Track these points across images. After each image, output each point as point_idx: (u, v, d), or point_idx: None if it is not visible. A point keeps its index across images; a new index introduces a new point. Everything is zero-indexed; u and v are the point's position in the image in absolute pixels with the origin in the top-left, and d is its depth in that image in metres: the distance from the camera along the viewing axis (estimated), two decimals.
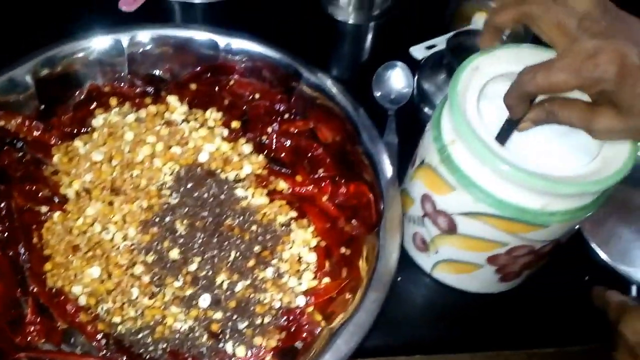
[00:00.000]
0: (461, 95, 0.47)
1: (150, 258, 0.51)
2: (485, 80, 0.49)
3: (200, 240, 0.52)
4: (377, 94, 0.73)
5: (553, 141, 0.47)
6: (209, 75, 0.65)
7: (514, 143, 0.46)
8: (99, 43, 0.60)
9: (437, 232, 0.54)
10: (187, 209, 0.54)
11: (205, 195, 0.55)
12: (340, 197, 0.60)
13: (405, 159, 0.61)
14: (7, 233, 0.53)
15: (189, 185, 0.55)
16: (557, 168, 0.44)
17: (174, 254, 0.52)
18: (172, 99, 0.61)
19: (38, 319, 0.50)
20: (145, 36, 0.62)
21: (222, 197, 0.55)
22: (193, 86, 0.64)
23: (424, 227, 0.55)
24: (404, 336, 0.58)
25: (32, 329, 0.50)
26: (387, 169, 0.57)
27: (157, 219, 0.53)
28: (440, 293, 0.60)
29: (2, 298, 0.50)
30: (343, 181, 0.60)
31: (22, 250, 0.53)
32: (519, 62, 0.49)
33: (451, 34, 0.70)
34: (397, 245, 0.52)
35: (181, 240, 0.52)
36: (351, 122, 0.60)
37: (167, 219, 0.53)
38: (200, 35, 0.63)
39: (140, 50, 0.62)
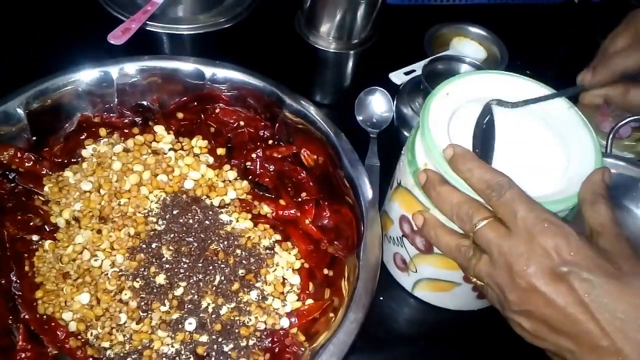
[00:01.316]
0: (432, 120, 0.49)
1: (137, 283, 0.53)
2: (456, 105, 0.51)
3: (185, 265, 0.54)
4: (360, 118, 0.75)
5: (521, 162, 0.49)
6: (195, 104, 0.67)
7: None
8: (88, 75, 0.63)
9: (416, 252, 0.56)
10: (172, 235, 0.56)
11: (191, 221, 0.57)
12: (323, 219, 0.62)
13: (387, 181, 0.63)
14: None
15: (174, 212, 0.57)
16: (525, 188, 0.45)
17: (160, 279, 0.53)
18: (159, 129, 0.63)
19: (29, 346, 0.51)
20: (133, 68, 0.64)
21: (207, 222, 0.57)
22: (180, 115, 0.66)
23: (403, 247, 0.57)
24: (387, 354, 0.60)
25: (23, 355, 0.51)
26: (367, 191, 0.59)
27: (143, 246, 0.55)
28: (422, 311, 0.62)
29: None
30: (326, 204, 0.62)
31: (14, 279, 0.54)
32: (488, 88, 0.52)
33: (428, 59, 0.72)
34: (376, 265, 0.54)
35: (167, 266, 0.54)
36: (332, 147, 0.62)
37: (154, 245, 0.55)
38: (186, 66, 0.66)
39: (129, 81, 0.65)
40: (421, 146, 0.51)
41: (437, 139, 0.48)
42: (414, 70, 0.76)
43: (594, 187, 0.43)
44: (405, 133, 0.71)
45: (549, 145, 0.50)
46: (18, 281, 0.54)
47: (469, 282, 0.54)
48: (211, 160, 0.63)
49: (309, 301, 0.57)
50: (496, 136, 0.49)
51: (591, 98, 0.57)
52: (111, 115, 0.65)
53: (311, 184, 0.64)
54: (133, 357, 0.51)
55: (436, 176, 0.46)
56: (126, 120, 0.64)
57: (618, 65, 0.55)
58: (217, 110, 0.67)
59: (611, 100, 0.57)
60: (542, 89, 0.53)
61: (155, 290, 0.53)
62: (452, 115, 0.51)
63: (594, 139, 0.49)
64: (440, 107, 0.51)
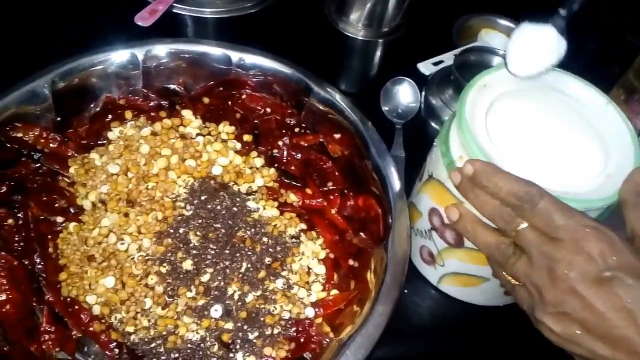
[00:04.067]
0: (469, 112, 0.48)
1: (164, 268, 0.53)
2: (494, 97, 0.50)
3: (212, 252, 0.53)
4: (385, 108, 0.74)
5: (559, 157, 0.48)
6: (221, 89, 0.66)
7: (520, 158, 0.47)
8: (117, 57, 0.62)
9: (445, 245, 0.55)
10: (200, 221, 0.55)
11: (219, 207, 0.56)
12: (348, 209, 0.61)
13: (412, 172, 0.62)
14: (23, 243, 0.54)
15: (202, 198, 0.56)
16: (562, 184, 0.45)
17: (187, 264, 0.53)
18: (187, 113, 0.62)
19: (53, 328, 0.51)
20: (160, 50, 0.63)
21: (235, 209, 0.56)
22: (206, 100, 0.65)
23: (432, 240, 0.56)
24: (409, 348, 0.59)
25: (47, 337, 0.50)
26: (395, 182, 0.58)
27: (171, 230, 0.54)
28: (446, 305, 0.61)
29: (19, 307, 0.51)
30: (351, 194, 0.61)
31: (38, 260, 0.54)
32: (526, 81, 0.51)
33: (457, 50, 0.71)
34: (405, 258, 0.53)
35: (194, 252, 0.53)
36: (360, 136, 0.61)
37: (181, 230, 0.54)
38: (214, 50, 0.65)
39: (155, 64, 0.64)
40: (457, 138, 0.50)
41: (475, 132, 0.47)
42: (442, 61, 0.74)
43: (637, 188, 0.42)
44: (433, 124, 0.70)
45: (585, 140, 0.49)
46: (42, 263, 0.54)
47: (496, 278, 0.53)
48: (239, 146, 0.62)
49: (334, 292, 0.56)
50: (531, 130, 0.49)
51: None
52: (136, 97, 0.65)
53: (337, 173, 0.63)
54: (157, 342, 0.51)
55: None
56: (152, 104, 0.64)
57: None
58: (244, 96, 0.66)
59: None
60: (579, 83, 0.52)
61: (181, 276, 0.52)
62: (489, 107, 0.50)
63: (633, 137, 0.48)
64: (478, 99, 0.50)
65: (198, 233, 0.54)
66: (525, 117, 0.50)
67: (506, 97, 0.50)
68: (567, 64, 0.51)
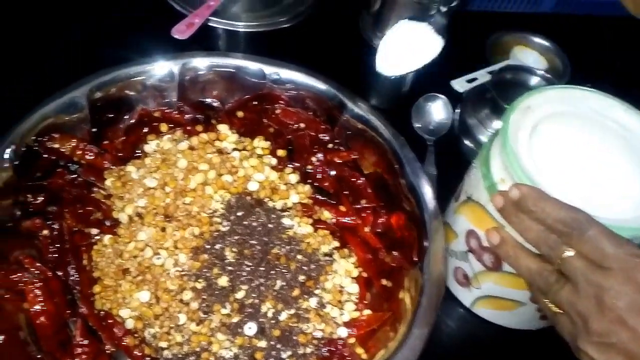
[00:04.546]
0: (513, 135, 0.48)
1: (199, 284, 0.52)
2: (537, 119, 0.49)
3: (248, 269, 0.53)
4: (417, 125, 0.73)
5: (603, 183, 0.47)
6: (255, 103, 0.66)
7: (563, 183, 0.46)
8: (154, 69, 0.62)
9: (481, 268, 0.54)
10: (237, 237, 0.55)
11: (254, 223, 0.56)
12: (379, 227, 0.61)
13: (443, 189, 0.62)
14: (57, 254, 0.54)
15: (239, 214, 0.56)
16: (606, 211, 0.44)
17: (223, 281, 0.52)
18: (223, 127, 0.62)
19: (86, 341, 0.50)
20: (197, 63, 0.63)
21: (270, 225, 0.56)
22: (240, 114, 0.65)
23: (467, 262, 0.56)
24: None
25: (80, 350, 0.50)
26: (430, 201, 0.57)
27: (207, 246, 0.54)
28: (477, 327, 0.60)
29: (53, 318, 0.51)
30: (383, 212, 0.61)
31: (72, 272, 0.53)
32: (571, 103, 0.51)
33: (491, 68, 0.70)
34: (441, 280, 0.52)
35: (230, 268, 0.53)
36: (394, 154, 0.61)
37: (217, 246, 0.54)
38: (249, 64, 0.64)
39: (191, 77, 0.64)
40: (498, 160, 0.49)
41: (518, 154, 0.46)
42: (475, 79, 0.74)
43: None
44: (467, 142, 0.70)
45: (629, 166, 0.48)
46: (76, 275, 0.54)
47: (536, 303, 0.52)
48: (274, 162, 0.62)
49: (367, 312, 0.56)
50: (575, 155, 0.48)
51: None
52: (171, 110, 0.65)
53: (369, 190, 0.62)
54: (191, 358, 0.50)
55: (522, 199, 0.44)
56: (187, 117, 0.64)
57: None
58: (278, 111, 0.65)
59: None
60: (623, 107, 0.51)
61: (217, 292, 0.52)
62: (532, 130, 0.49)
63: None
64: (521, 121, 0.49)
65: (234, 249, 0.54)
66: (569, 141, 0.49)
67: (550, 119, 0.49)
68: (601, 83, 0.50)
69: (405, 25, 0.46)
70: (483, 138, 0.69)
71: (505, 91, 0.64)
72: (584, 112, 0.50)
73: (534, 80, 0.68)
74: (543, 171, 0.46)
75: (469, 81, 0.73)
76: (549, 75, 0.67)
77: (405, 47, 0.46)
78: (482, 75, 0.73)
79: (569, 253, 0.40)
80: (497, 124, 0.69)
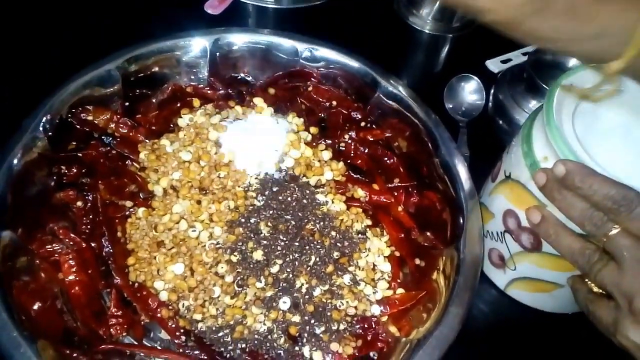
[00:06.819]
0: (556, 112, 0.47)
1: (234, 258, 0.52)
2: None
3: (282, 243, 0.53)
4: (449, 105, 0.72)
5: None
6: (286, 80, 0.65)
7: (607, 161, 0.45)
8: (187, 44, 0.62)
9: (519, 249, 0.53)
10: (271, 212, 0.54)
11: (289, 199, 0.55)
12: (412, 206, 0.60)
13: (475, 170, 0.61)
14: (91, 226, 0.54)
15: (274, 189, 0.56)
16: None
17: (258, 254, 0.52)
18: (259, 101, 0.62)
19: (121, 312, 0.51)
20: (230, 39, 0.63)
21: (305, 201, 0.56)
22: (272, 91, 0.64)
23: (504, 243, 0.55)
24: (473, 352, 0.58)
25: (115, 321, 0.50)
26: (466, 181, 0.56)
27: (242, 220, 0.54)
28: (510, 309, 0.60)
29: (87, 289, 0.51)
30: (415, 191, 0.60)
31: (106, 244, 0.53)
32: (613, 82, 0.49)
33: (526, 49, 0.69)
34: (477, 260, 0.52)
35: (264, 242, 0.53)
36: (429, 134, 0.60)
37: (252, 220, 0.54)
38: (282, 41, 0.64)
39: (223, 53, 0.63)
40: (541, 138, 0.48)
41: (563, 131, 0.45)
42: (510, 59, 0.73)
43: None
44: (501, 122, 0.68)
45: None
46: (110, 247, 0.54)
47: (573, 290, 0.51)
48: (309, 138, 0.61)
49: (400, 290, 0.55)
50: (617, 133, 0.47)
51: None
52: (202, 86, 0.64)
53: (402, 169, 0.61)
54: (225, 331, 0.50)
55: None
56: (220, 92, 0.63)
57: None
58: (310, 89, 0.65)
59: None
60: None
61: (251, 266, 0.52)
62: (575, 108, 0.48)
63: None
64: (564, 99, 0.48)
65: (269, 224, 0.54)
66: (611, 120, 0.48)
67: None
68: None
69: None
70: (519, 118, 0.68)
71: (541, 71, 0.63)
72: (626, 90, 0.49)
73: (571, 61, 0.66)
74: (587, 149, 0.45)
75: (504, 62, 0.72)
76: None
77: None
78: (517, 56, 0.72)
79: (615, 230, 0.39)
80: (533, 104, 0.67)
